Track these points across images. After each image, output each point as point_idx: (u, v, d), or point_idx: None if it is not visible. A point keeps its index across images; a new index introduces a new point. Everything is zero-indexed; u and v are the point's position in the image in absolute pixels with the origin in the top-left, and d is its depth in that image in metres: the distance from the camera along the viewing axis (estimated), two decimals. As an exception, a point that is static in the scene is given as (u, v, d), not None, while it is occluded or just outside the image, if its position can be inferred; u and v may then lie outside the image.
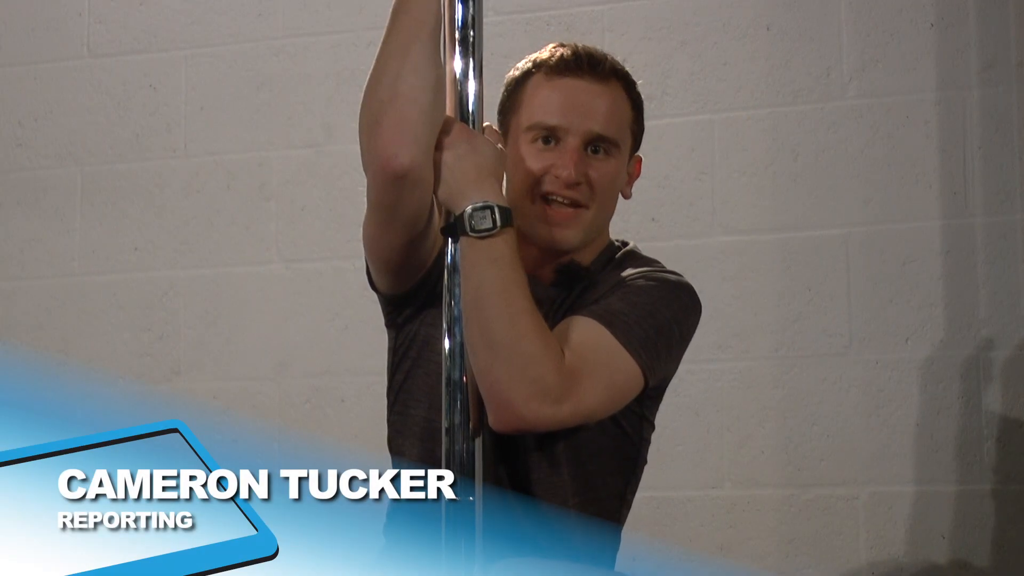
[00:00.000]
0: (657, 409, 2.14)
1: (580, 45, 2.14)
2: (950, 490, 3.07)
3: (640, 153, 2.21)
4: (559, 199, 2.06)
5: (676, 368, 2.11)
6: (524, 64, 2.14)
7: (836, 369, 3.17)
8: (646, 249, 2.20)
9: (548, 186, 2.06)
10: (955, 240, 3.13)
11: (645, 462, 2.16)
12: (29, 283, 3.77)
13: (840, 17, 3.25)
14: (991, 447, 3.06)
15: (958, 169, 3.15)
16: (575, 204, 2.07)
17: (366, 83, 1.95)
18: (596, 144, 2.08)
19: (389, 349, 2.15)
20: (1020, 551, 3.01)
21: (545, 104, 2.08)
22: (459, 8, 1.98)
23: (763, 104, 3.27)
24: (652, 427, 2.15)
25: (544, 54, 2.13)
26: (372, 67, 1.94)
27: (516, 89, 2.13)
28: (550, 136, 2.08)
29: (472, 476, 1.91)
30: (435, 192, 1.97)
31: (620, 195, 2.18)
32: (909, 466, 3.10)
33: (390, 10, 1.96)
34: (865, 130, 3.20)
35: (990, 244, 3.12)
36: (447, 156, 1.95)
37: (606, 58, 2.13)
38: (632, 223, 2.19)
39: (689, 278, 2.13)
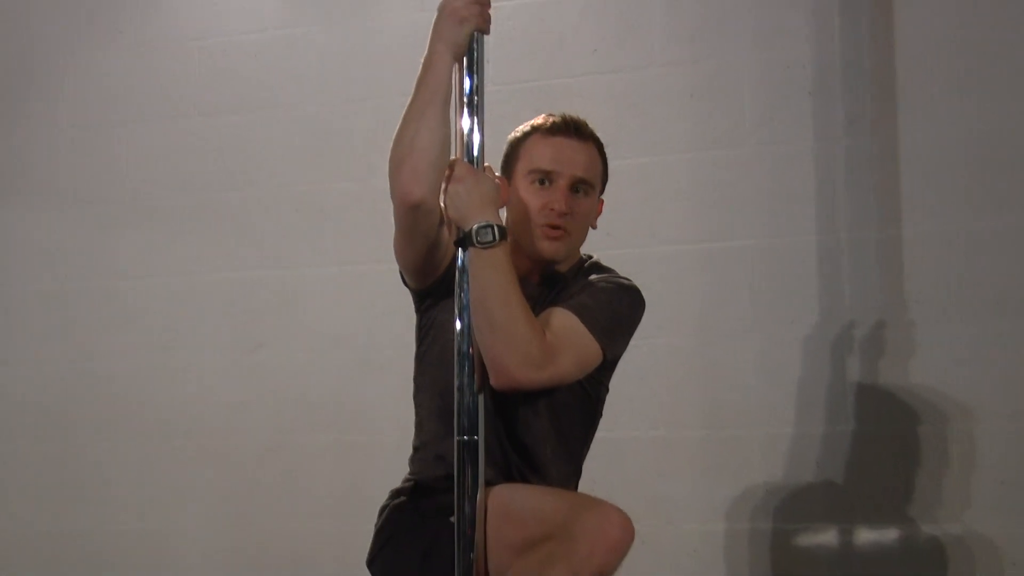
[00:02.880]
0: (611, 376, 2.19)
1: (567, 114, 2.17)
2: (821, 431, 3.08)
3: (602, 197, 2.24)
4: (552, 225, 2.09)
5: (626, 347, 2.16)
6: (524, 127, 2.18)
7: (741, 344, 3.16)
8: (604, 256, 2.25)
9: (544, 216, 2.09)
10: (827, 249, 3.13)
11: (601, 415, 2.22)
12: (157, 280, 3.76)
13: (744, 87, 3.23)
14: (851, 400, 3.06)
15: (829, 198, 3.13)
16: (563, 229, 2.10)
17: (394, 135, 2.00)
18: (578, 185, 2.12)
19: (416, 328, 2.19)
20: (868, 467, 3.01)
21: (542, 155, 2.12)
22: (467, 80, 2.03)
23: (689, 149, 3.27)
24: (607, 390, 2.21)
25: (539, 120, 2.17)
26: (399, 123, 2.00)
27: (519, 145, 2.17)
28: (545, 179, 2.11)
29: (476, 421, 1.96)
30: (448, 214, 2.02)
31: (590, 226, 2.20)
32: (793, 413, 3.10)
33: (415, 82, 2.01)
34: (763, 168, 3.20)
35: (852, 253, 3.11)
36: (459, 188, 1.99)
37: (586, 124, 2.17)
38: (594, 236, 2.22)
39: (634, 278, 2.19)
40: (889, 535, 3.00)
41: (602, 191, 2.22)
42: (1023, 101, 3.02)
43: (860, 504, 3.03)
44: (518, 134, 2.18)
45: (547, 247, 2.10)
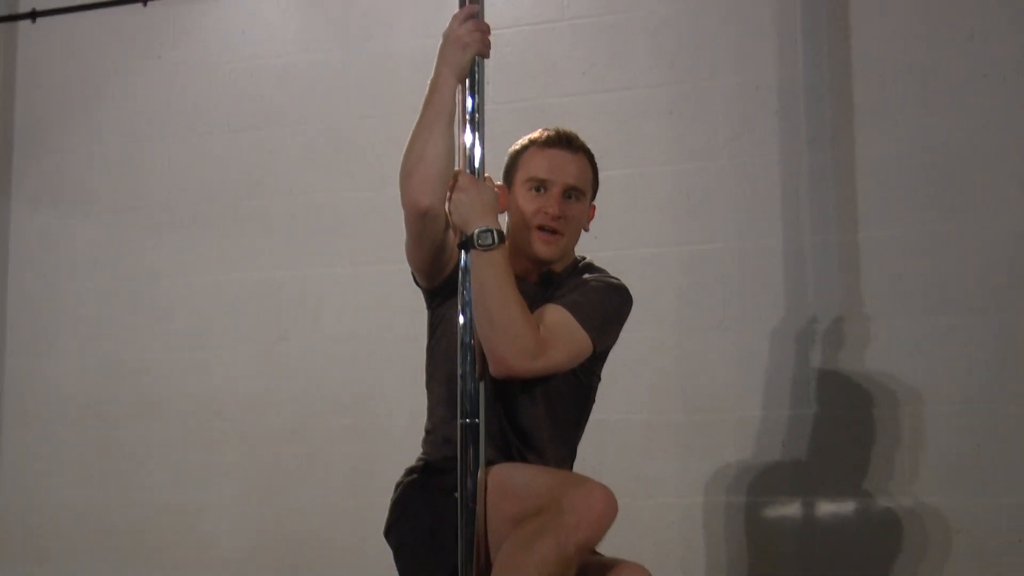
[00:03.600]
0: (602, 366, 2.19)
1: (560, 129, 2.18)
2: (786, 414, 3.08)
3: (594, 203, 2.25)
4: (547, 228, 2.10)
5: (615, 340, 2.16)
6: (523, 141, 2.19)
7: (716, 337, 3.16)
8: (593, 257, 2.25)
9: (540, 219, 2.10)
10: (791, 252, 3.13)
11: (593, 402, 2.22)
12: (189, 280, 3.75)
13: (717, 106, 3.23)
14: (813, 386, 3.06)
15: (793, 206, 3.14)
16: (556, 232, 2.11)
17: (404, 149, 2.01)
18: (571, 192, 2.13)
19: (428, 323, 2.19)
20: (828, 446, 3.02)
21: (538, 165, 2.13)
22: (469, 100, 2.04)
23: (669, 162, 3.27)
24: (599, 379, 2.20)
25: (536, 134, 2.17)
26: (408, 138, 2.01)
27: (518, 156, 2.18)
28: (541, 186, 2.12)
29: (478, 406, 1.97)
30: (453, 219, 2.03)
31: (583, 229, 2.22)
32: (761, 399, 3.10)
33: (422, 101, 2.02)
34: (734, 179, 3.20)
35: (814, 255, 3.11)
36: (462, 196, 2.00)
37: (577, 137, 2.18)
38: (584, 239, 2.22)
39: (620, 277, 2.19)
40: (847, 507, 3.01)
41: (593, 197, 2.23)
42: (965, 120, 3.02)
43: (821, 479, 3.03)
44: (517, 147, 2.19)
45: (542, 248, 2.11)
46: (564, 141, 2.15)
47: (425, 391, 2.19)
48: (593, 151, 2.23)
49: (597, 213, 2.27)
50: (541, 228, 2.10)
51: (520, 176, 2.15)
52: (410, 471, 2.15)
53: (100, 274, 3.86)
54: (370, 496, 2.25)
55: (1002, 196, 2.98)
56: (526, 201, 2.12)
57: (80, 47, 3.96)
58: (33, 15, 3.97)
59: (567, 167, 2.13)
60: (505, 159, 2.20)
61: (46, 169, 3.97)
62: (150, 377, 3.76)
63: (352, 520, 3.41)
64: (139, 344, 3.79)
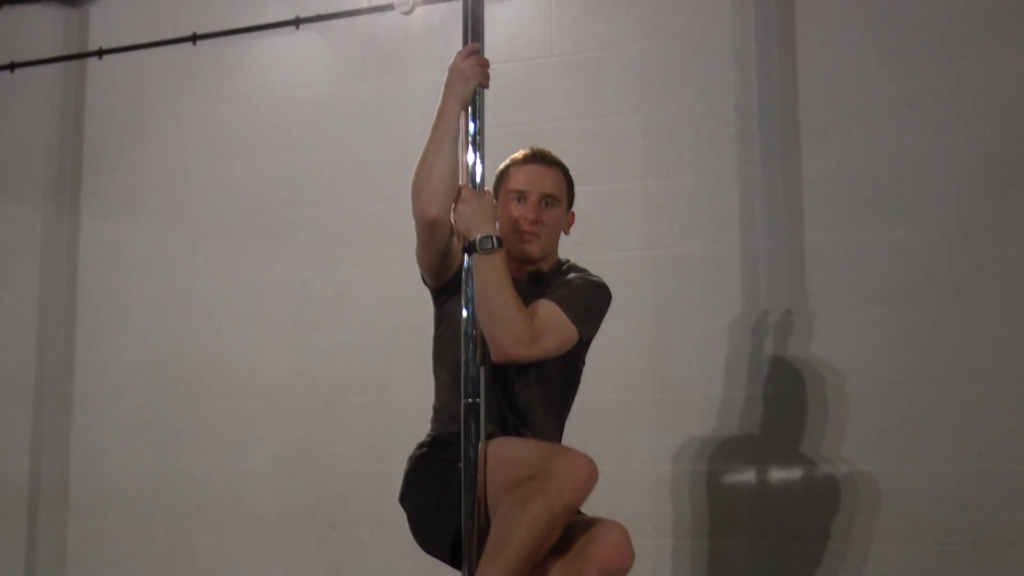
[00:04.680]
0: (586, 352, 2.18)
1: (536, 147, 2.20)
2: (743, 394, 3.07)
3: (574, 210, 2.25)
4: (527, 230, 2.11)
5: (597, 330, 2.15)
6: (506, 161, 2.20)
7: (683, 328, 3.16)
8: (578, 260, 2.25)
9: (521, 224, 2.11)
10: (748, 255, 3.12)
11: (579, 383, 2.22)
12: (233, 278, 3.75)
13: (683, 130, 3.22)
14: (766, 369, 3.05)
15: (749, 215, 3.12)
16: (535, 233, 2.11)
17: (415, 168, 2.02)
18: (546, 199, 2.14)
19: (434, 317, 2.19)
20: (778, 421, 3.01)
21: (518, 179, 2.15)
22: (471, 124, 2.04)
23: (641, 178, 3.26)
24: (583, 363, 2.20)
25: (517, 154, 2.19)
26: (418, 159, 2.01)
27: (502, 174, 2.19)
28: (521, 196, 2.13)
29: (479, 387, 1.97)
30: (457, 227, 2.02)
31: (563, 232, 2.21)
32: (722, 380, 3.09)
33: (431, 125, 2.02)
34: (698, 193, 3.19)
35: (767, 258, 3.10)
36: (465, 208, 2.00)
37: (550, 153, 2.19)
38: (569, 245, 2.21)
39: (602, 276, 2.19)
40: (793, 473, 3.00)
41: (570, 203, 2.22)
42: (893, 141, 3.01)
43: (772, 449, 3.03)
44: (502, 166, 2.20)
45: (524, 247, 2.11)
46: (539, 157, 2.16)
47: (432, 375, 2.18)
48: (576, 169, 2.23)
49: (580, 221, 2.26)
50: (521, 231, 2.10)
51: (504, 189, 2.16)
52: (420, 445, 2.14)
53: (155, 274, 3.86)
54: (386, 464, 2.23)
55: (924, 207, 2.97)
56: (510, 210, 2.12)
57: (139, 79, 3.96)
58: (100, 52, 3.96)
59: (543, 179, 2.13)
60: (493, 177, 2.20)
61: (110, 185, 3.97)
62: (198, 362, 3.75)
63: (370, 485, 3.41)
64: (188, 334, 3.78)
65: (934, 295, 2.93)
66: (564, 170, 2.19)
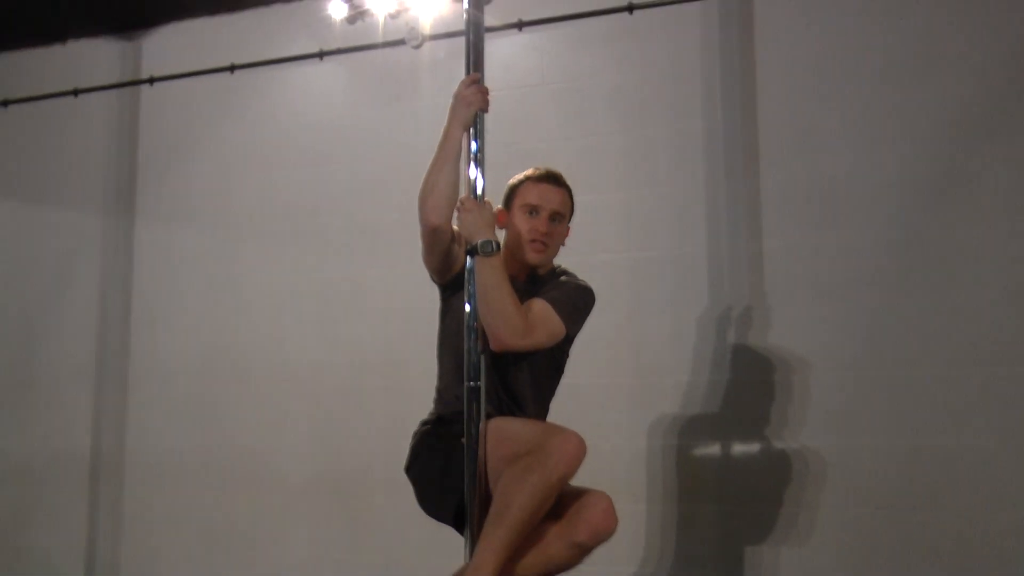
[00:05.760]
0: (571, 346, 2.15)
1: (550, 168, 2.16)
2: (709, 378, 3.04)
3: (570, 225, 2.22)
4: (537, 241, 2.09)
5: (582, 326, 2.13)
6: (521, 176, 2.17)
7: (657, 320, 3.13)
8: (566, 262, 2.23)
9: (532, 235, 2.09)
10: (713, 257, 3.10)
11: (563, 372, 2.20)
12: (266, 277, 3.73)
13: (658, 149, 3.19)
14: (729, 357, 3.02)
15: (715, 223, 3.10)
16: (544, 244, 2.10)
17: (422, 183, 2.00)
18: (555, 216, 2.12)
19: (440, 310, 2.16)
20: (740, 402, 2.99)
21: (532, 195, 2.12)
22: (472, 143, 2.02)
23: (621, 190, 3.23)
24: (567, 356, 2.18)
25: (531, 171, 2.16)
26: (425, 175, 1.99)
27: (517, 187, 2.16)
28: (533, 211, 2.11)
29: (480, 373, 1.96)
30: (461, 233, 2.01)
31: (561, 244, 2.19)
32: (691, 366, 3.06)
33: (437, 145, 2.00)
34: (671, 204, 3.16)
35: (730, 259, 3.07)
36: (468, 216, 1.99)
37: (561, 176, 2.17)
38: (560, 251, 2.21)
39: (586, 278, 2.17)
40: (753, 447, 2.98)
41: (570, 220, 2.20)
42: (840, 157, 2.99)
43: (734, 427, 3.01)
44: (516, 180, 2.16)
45: (533, 256, 2.09)
46: (552, 178, 2.14)
47: (437, 362, 2.15)
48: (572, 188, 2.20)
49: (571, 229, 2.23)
50: (533, 241, 2.08)
51: (518, 202, 2.13)
52: (424, 423, 2.12)
53: (199, 273, 3.83)
54: (400, 440, 2.21)
55: (866, 215, 2.96)
56: (522, 221, 2.10)
57: (185, 103, 3.93)
58: (151, 80, 3.92)
59: (553, 197, 2.11)
60: (505, 188, 2.16)
61: (160, 195, 3.94)
62: (237, 350, 3.72)
63: (386, 457, 3.33)
64: (229, 325, 3.75)
65: (874, 292, 2.92)
66: (570, 191, 2.17)
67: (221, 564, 3.61)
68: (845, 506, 2.86)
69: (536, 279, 2.14)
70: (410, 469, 2.10)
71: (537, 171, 2.15)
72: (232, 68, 3.77)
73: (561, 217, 2.13)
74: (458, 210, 1.98)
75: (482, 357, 1.95)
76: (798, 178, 3.04)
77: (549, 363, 2.12)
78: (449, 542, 2.08)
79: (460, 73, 2.08)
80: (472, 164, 2.01)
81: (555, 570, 1.90)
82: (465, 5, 2.09)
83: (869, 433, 2.87)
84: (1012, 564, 2.64)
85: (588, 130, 3.31)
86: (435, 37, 3.47)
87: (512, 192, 2.16)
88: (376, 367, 3.49)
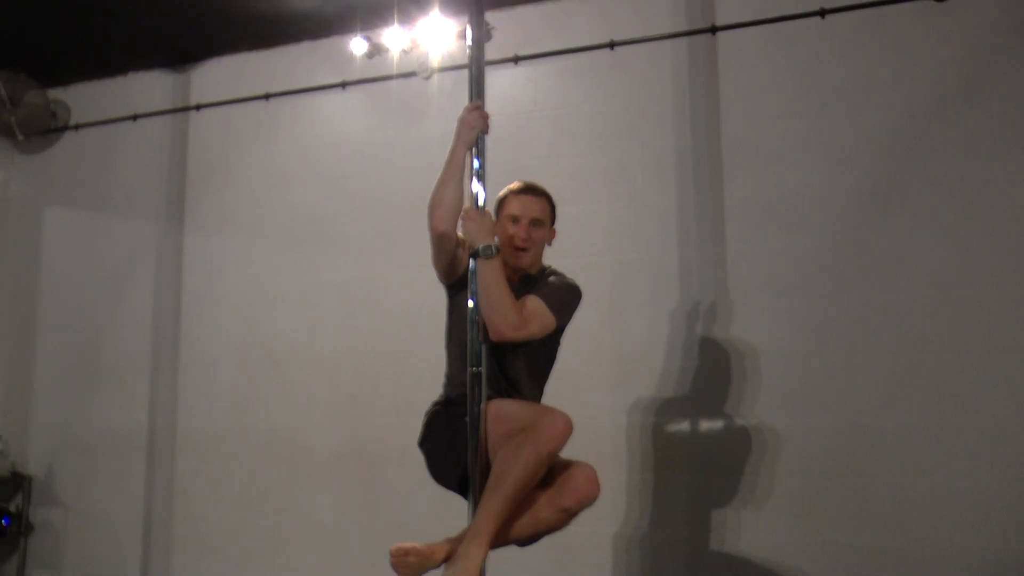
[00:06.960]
0: (561, 336, 2.13)
1: (528, 181, 2.14)
2: (680, 364, 3.01)
3: (555, 227, 2.19)
4: (519, 246, 2.07)
5: (570, 319, 2.09)
6: (505, 190, 2.15)
7: (636, 315, 3.09)
8: (557, 264, 2.19)
9: (516, 241, 2.07)
10: (685, 260, 3.06)
11: (555, 359, 2.16)
12: (293, 277, 3.68)
13: (635, 166, 3.15)
14: (697, 346, 2.99)
15: (686, 230, 3.06)
16: (525, 248, 2.07)
17: (431, 195, 1.97)
18: (534, 222, 2.09)
19: (447, 307, 2.12)
20: (707, 385, 2.95)
21: (513, 206, 2.10)
22: (475, 161, 1.99)
23: (604, 202, 3.19)
24: (559, 345, 2.15)
25: (513, 185, 2.14)
26: (433, 188, 1.97)
27: (502, 201, 2.14)
28: (516, 219, 2.09)
29: (481, 361, 1.92)
30: (465, 238, 1.98)
31: (547, 244, 2.16)
32: (665, 354, 3.03)
33: (444, 162, 1.97)
34: (648, 214, 3.11)
35: (699, 262, 3.04)
36: (471, 223, 1.96)
37: (538, 185, 2.13)
38: (550, 253, 2.16)
39: (574, 277, 2.14)
40: (717, 423, 2.95)
41: (553, 222, 2.16)
42: (794, 171, 2.97)
43: (703, 406, 2.97)
44: (502, 194, 2.15)
45: (516, 259, 2.07)
46: (529, 189, 2.11)
47: (444, 351, 2.12)
48: (553, 194, 2.16)
49: (558, 235, 2.20)
50: (515, 247, 2.06)
51: (503, 213, 2.11)
52: (435, 404, 2.09)
53: (239, 274, 3.78)
54: (411, 418, 2.19)
55: (816, 223, 2.92)
56: (506, 229, 2.08)
57: (227, 127, 3.89)
58: (198, 107, 3.89)
59: (533, 206, 2.08)
60: (495, 202, 2.14)
61: (206, 207, 3.90)
62: (270, 341, 3.68)
63: (400, 436, 3.29)
64: (263, 319, 3.70)
65: (824, 290, 2.89)
66: (549, 198, 2.13)
67: (257, 525, 3.58)
68: (796, 475, 2.84)
69: (529, 279, 2.11)
70: (422, 443, 2.07)
71: (518, 184, 2.12)
72: (267, 96, 3.76)
73: (541, 223, 2.09)
74: (462, 219, 1.96)
75: (483, 347, 1.92)
76: (756, 191, 3.01)
77: (542, 352, 2.09)
78: (455, 506, 2.06)
79: (464, 100, 2.06)
80: (475, 179, 1.99)
81: (545, 531, 1.89)
82: (468, 42, 2.08)
83: (816, 412, 2.85)
84: (933, 522, 2.65)
85: (576, 150, 3.28)
86: (443, 70, 3.47)
87: (499, 204, 2.14)
88: (390, 356, 3.45)
